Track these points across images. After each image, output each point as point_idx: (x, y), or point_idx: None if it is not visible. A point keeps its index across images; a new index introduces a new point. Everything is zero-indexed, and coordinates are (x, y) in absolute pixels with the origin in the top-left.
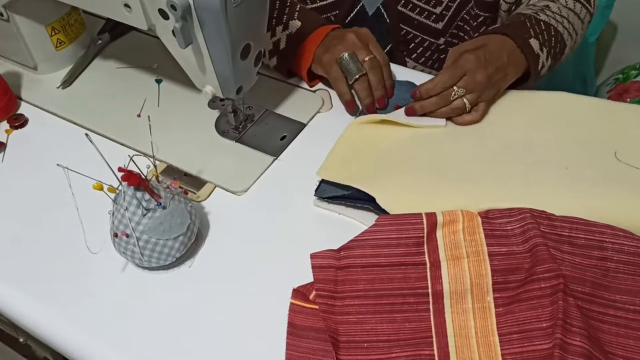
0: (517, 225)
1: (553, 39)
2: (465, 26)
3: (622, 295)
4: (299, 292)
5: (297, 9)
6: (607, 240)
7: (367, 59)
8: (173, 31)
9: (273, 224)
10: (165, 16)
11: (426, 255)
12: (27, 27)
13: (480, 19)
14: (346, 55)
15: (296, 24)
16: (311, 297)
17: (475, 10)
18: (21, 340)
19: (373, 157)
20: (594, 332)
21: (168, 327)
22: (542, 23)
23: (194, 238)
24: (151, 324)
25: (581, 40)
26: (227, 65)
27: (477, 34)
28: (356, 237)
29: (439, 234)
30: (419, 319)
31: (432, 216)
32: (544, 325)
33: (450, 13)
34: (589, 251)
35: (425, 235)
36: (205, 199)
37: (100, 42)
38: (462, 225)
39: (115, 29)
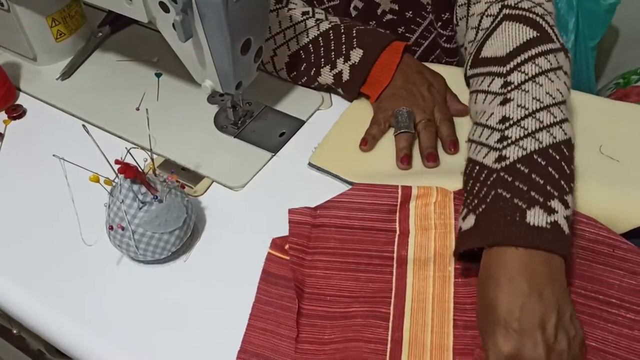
0: None
1: (551, 167)
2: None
3: (575, 279)
4: (277, 243)
5: (354, 34)
6: None
7: (423, 120)
8: (173, 24)
9: (270, 220)
10: (165, 9)
11: (397, 223)
12: (27, 18)
13: (452, 62)
14: (404, 110)
15: (358, 52)
16: (286, 247)
17: (444, 58)
18: (14, 332)
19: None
20: None
21: (162, 320)
22: (519, 166)
23: (190, 232)
24: (145, 317)
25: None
26: (227, 60)
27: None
28: (333, 198)
29: (412, 204)
30: (382, 280)
31: (407, 189)
32: None
33: (416, 57)
34: None
35: (398, 204)
36: (202, 193)
37: (100, 34)
38: (435, 199)
39: (115, 22)
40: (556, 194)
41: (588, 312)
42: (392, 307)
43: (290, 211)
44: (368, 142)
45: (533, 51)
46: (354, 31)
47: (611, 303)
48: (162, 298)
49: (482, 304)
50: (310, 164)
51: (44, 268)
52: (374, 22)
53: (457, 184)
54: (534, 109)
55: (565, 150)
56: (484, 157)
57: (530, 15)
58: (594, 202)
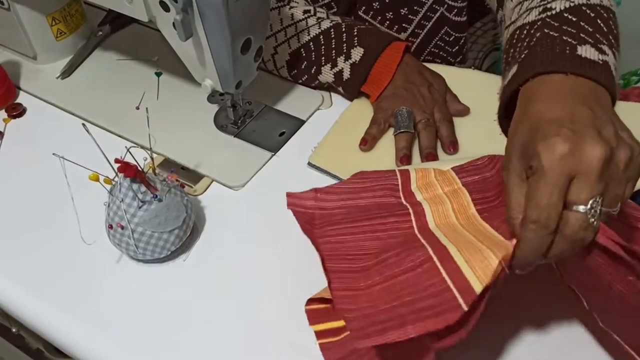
0: (486, 159)
1: (599, 20)
2: (440, 52)
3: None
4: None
5: (355, 33)
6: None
7: (423, 120)
8: (174, 24)
9: (269, 220)
10: (166, 8)
11: (402, 199)
12: (28, 17)
13: (456, 49)
14: (404, 110)
15: (359, 51)
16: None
17: (452, 34)
18: (14, 330)
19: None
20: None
21: (161, 319)
22: (565, 15)
23: (190, 232)
24: (144, 316)
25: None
26: (227, 59)
27: (505, 84)
28: (331, 185)
29: (412, 185)
30: (404, 235)
31: (405, 172)
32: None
33: (418, 41)
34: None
35: (400, 184)
36: (202, 193)
37: (100, 33)
38: (434, 172)
39: (116, 21)
40: (605, 42)
41: (608, 263)
42: (422, 240)
43: (289, 195)
44: (368, 142)
45: None
46: (355, 30)
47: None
48: (162, 297)
49: (523, 125)
50: (309, 164)
51: (44, 267)
52: (377, 2)
53: None
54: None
55: (612, 15)
56: (525, 18)
57: None
58: None
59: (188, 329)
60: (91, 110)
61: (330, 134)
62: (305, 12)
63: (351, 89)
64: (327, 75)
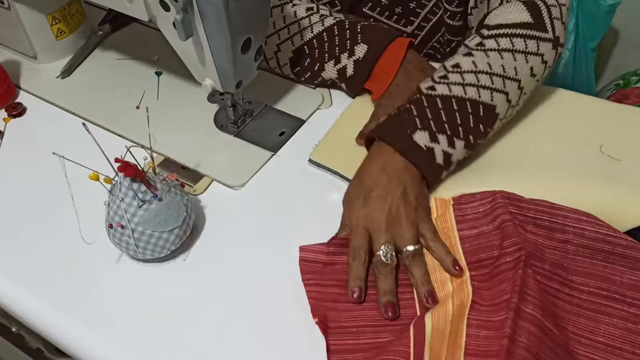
0: (489, 207)
1: (459, 114)
2: (440, 48)
3: (578, 276)
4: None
5: (359, 30)
6: (570, 224)
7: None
8: (174, 23)
9: (269, 219)
10: (166, 8)
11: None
12: (28, 16)
13: (454, 45)
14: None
15: (363, 48)
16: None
17: (447, 36)
18: (13, 329)
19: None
20: (548, 305)
21: (161, 319)
22: (438, 100)
23: (190, 231)
24: (144, 316)
25: (546, 75)
26: (227, 59)
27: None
28: (341, 237)
29: None
30: (404, 306)
31: None
32: (506, 297)
33: (423, 33)
34: (552, 233)
35: None
36: (202, 192)
37: (100, 32)
38: (436, 214)
39: (116, 20)
40: (449, 133)
41: (592, 308)
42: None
43: (302, 248)
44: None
45: (517, 31)
46: (359, 27)
47: (615, 298)
48: (162, 297)
49: (355, 175)
50: (310, 161)
51: (43, 266)
52: None
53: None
54: (481, 69)
55: (481, 110)
56: (424, 82)
57: (538, 3)
58: (595, 201)
59: (188, 328)
60: (91, 110)
61: (331, 131)
62: (308, 9)
63: (355, 86)
64: (330, 72)
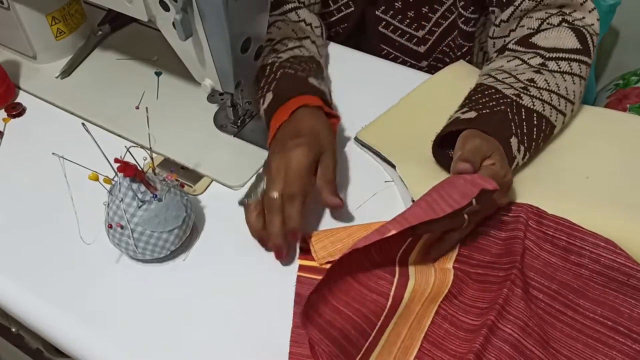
0: (511, 215)
1: (535, 129)
2: (450, 52)
3: (586, 301)
4: (304, 266)
5: (278, 76)
6: (587, 247)
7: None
8: (173, 23)
9: None
10: (166, 8)
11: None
12: (27, 16)
13: (465, 49)
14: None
15: (269, 96)
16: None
17: (459, 40)
18: (13, 330)
19: (410, 133)
20: (540, 325)
21: (160, 319)
22: (523, 111)
23: (189, 231)
24: (144, 316)
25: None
26: (227, 59)
27: (450, 119)
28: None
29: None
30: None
31: (405, 270)
32: (482, 306)
33: (433, 38)
34: (567, 255)
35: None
36: (202, 192)
37: (100, 33)
38: (431, 289)
39: (115, 20)
40: (526, 144)
41: (593, 336)
42: (396, 276)
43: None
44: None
45: (573, 56)
46: (279, 74)
47: (619, 331)
48: (161, 297)
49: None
50: (356, 139)
51: (43, 266)
52: (400, 2)
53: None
54: (552, 89)
55: (548, 129)
56: (504, 88)
57: (584, 31)
58: (620, 227)
59: (188, 328)
60: (91, 110)
61: (384, 115)
62: (293, 30)
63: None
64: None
